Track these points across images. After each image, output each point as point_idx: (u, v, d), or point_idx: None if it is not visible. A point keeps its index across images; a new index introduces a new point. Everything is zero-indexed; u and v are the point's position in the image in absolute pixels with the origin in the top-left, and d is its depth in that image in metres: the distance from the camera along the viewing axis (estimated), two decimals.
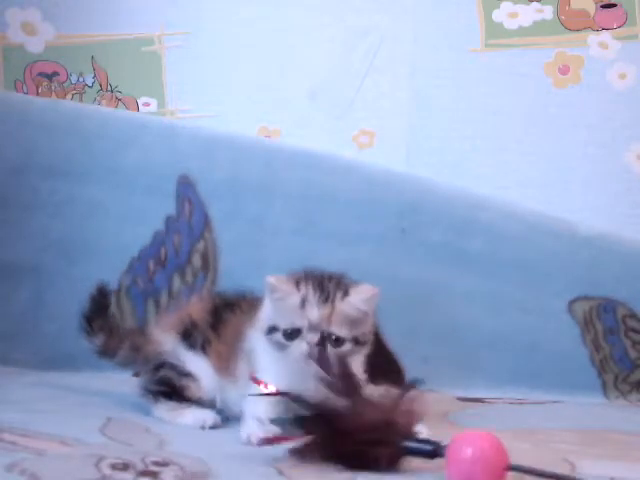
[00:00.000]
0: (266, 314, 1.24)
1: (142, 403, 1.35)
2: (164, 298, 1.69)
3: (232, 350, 1.29)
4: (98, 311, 1.44)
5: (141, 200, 1.70)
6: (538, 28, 1.89)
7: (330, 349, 1.18)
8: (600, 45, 1.88)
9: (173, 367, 1.32)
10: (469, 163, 1.88)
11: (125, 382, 1.51)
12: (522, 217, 1.74)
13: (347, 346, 1.20)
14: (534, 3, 1.90)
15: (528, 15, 1.90)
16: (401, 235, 1.71)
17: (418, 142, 1.89)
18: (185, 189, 1.71)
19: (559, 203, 1.84)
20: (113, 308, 1.58)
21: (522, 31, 1.90)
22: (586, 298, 1.70)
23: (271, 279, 1.22)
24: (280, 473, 1.03)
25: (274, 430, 1.12)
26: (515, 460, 1.01)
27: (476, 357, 1.69)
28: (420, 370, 1.67)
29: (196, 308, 1.38)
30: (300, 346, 1.19)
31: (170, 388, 1.31)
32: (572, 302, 1.70)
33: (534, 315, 1.70)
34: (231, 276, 1.67)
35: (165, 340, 1.35)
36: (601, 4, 1.89)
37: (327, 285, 1.21)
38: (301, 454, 1.06)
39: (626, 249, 1.73)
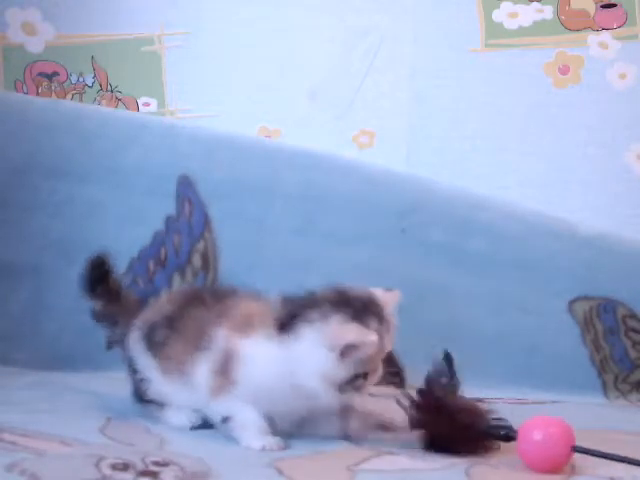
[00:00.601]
0: (336, 368, 1.12)
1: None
2: None
3: (189, 350, 1.21)
4: (98, 278, 1.39)
5: (141, 200, 1.70)
6: (538, 28, 1.90)
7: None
8: (600, 45, 1.88)
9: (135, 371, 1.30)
10: (469, 163, 1.88)
11: (125, 382, 1.51)
12: (522, 217, 1.74)
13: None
14: (534, 3, 1.90)
15: (528, 15, 1.90)
16: (401, 235, 1.71)
17: (418, 142, 1.89)
18: (185, 189, 1.71)
19: (559, 203, 1.84)
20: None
21: (522, 31, 1.90)
22: (586, 298, 1.70)
23: (364, 339, 1.11)
24: (280, 473, 1.03)
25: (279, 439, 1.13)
26: (515, 459, 1.01)
27: (476, 357, 1.69)
28: (420, 370, 1.68)
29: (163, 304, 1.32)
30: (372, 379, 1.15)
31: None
32: (572, 302, 1.70)
33: (534, 315, 1.70)
34: (231, 276, 1.67)
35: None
36: (601, 4, 1.89)
37: (377, 310, 1.16)
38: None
39: (626, 249, 1.73)
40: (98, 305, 1.39)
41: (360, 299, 1.15)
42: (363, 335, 1.10)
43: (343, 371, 1.11)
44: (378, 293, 1.19)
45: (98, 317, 1.40)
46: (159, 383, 1.25)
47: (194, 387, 1.19)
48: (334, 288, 1.18)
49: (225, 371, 1.15)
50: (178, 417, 1.25)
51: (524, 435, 1.12)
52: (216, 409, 1.18)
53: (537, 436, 1.10)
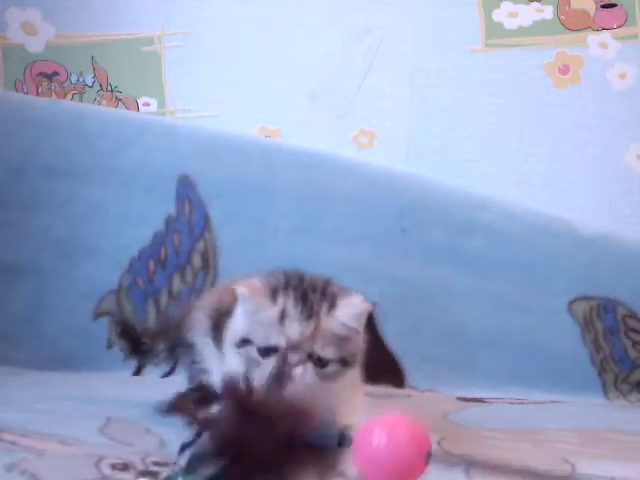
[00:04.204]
0: (238, 325, 1.08)
1: (142, 403, 1.35)
2: (164, 298, 1.69)
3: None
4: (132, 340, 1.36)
5: (141, 200, 1.70)
6: (538, 28, 1.90)
7: (310, 371, 1.03)
8: (600, 45, 1.88)
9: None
10: (469, 163, 1.88)
11: (125, 382, 1.51)
12: (522, 217, 1.74)
13: (333, 367, 1.04)
14: (534, 3, 1.90)
15: (528, 15, 1.90)
16: (401, 235, 1.71)
17: (418, 142, 1.89)
18: (185, 189, 1.71)
19: (559, 203, 1.84)
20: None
21: (522, 31, 1.90)
22: (586, 298, 1.70)
23: (243, 290, 1.05)
24: None
25: None
26: (515, 460, 1.01)
27: (476, 357, 1.69)
28: (420, 370, 1.68)
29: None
30: (271, 365, 1.03)
31: None
32: (572, 302, 1.70)
33: (534, 315, 1.70)
34: (231, 276, 1.67)
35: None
36: (601, 4, 1.89)
37: (311, 296, 1.06)
38: None
39: (626, 249, 1.73)
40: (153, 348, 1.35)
41: (307, 283, 1.08)
42: (243, 286, 1.06)
43: (240, 324, 1.07)
44: (351, 297, 1.09)
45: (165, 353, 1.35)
46: (213, 363, 1.20)
47: None
48: (307, 274, 1.12)
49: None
50: None
51: (361, 440, 0.91)
52: None
53: (378, 440, 0.89)
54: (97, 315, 1.67)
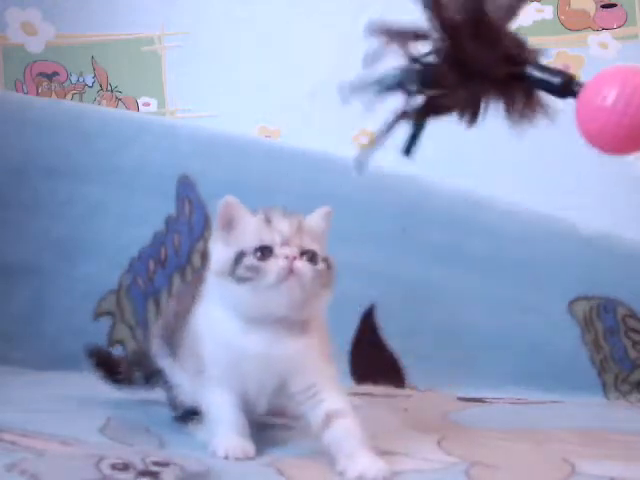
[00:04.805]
0: (222, 250, 1.09)
1: (142, 403, 1.35)
2: (164, 298, 1.69)
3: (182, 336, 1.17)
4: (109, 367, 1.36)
5: (141, 200, 1.70)
6: (538, 28, 1.90)
7: (308, 265, 1.05)
8: (600, 45, 1.89)
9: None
10: (469, 163, 1.88)
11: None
12: (522, 217, 1.74)
13: (321, 265, 1.08)
14: (534, 3, 1.90)
15: (528, 15, 1.90)
16: (401, 235, 1.71)
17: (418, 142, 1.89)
18: (185, 189, 1.71)
19: (559, 203, 1.84)
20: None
21: (522, 31, 1.89)
22: (586, 298, 1.70)
23: (228, 199, 1.11)
24: (280, 473, 1.03)
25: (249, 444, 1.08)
26: (515, 459, 1.00)
27: (476, 357, 1.69)
28: (420, 370, 1.68)
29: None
30: (276, 264, 1.04)
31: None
32: (572, 302, 1.70)
33: (534, 315, 1.70)
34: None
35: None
36: (601, 4, 1.89)
37: (284, 207, 1.13)
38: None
39: (626, 249, 1.73)
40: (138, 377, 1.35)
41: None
42: (229, 201, 1.11)
43: (228, 247, 1.08)
44: None
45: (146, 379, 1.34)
46: (178, 377, 1.21)
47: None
48: None
49: (196, 352, 1.11)
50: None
51: (592, 91, 0.75)
52: (199, 396, 1.13)
53: (611, 97, 0.72)
54: (97, 315, 1.67)
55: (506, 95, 0.88)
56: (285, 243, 1.06)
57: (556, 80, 0.85)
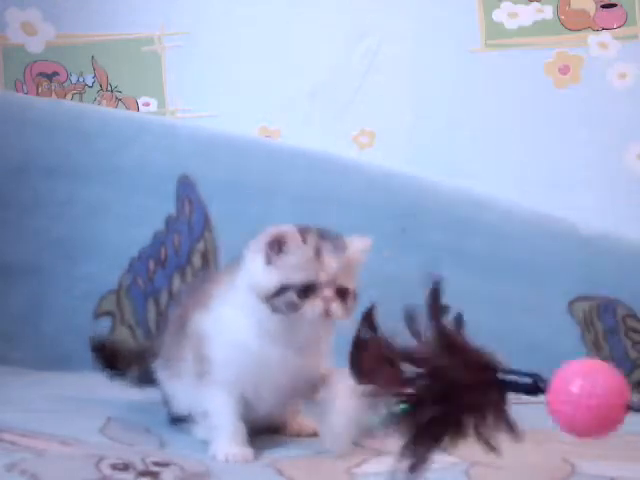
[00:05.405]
0: (264, 273, 1.06)
1: (142, 403, 1.35)
2: (164, 298, 1.69)
3: (180, 339, 1.17)
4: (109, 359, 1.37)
5: (141, 200, 1.70)
6: (538, 28, 1.90)
7: (342, 307, 1.05)
8: (600, 45, 1.89)
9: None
10: (469, 163, 1.88)
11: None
12: (522, 217, 1.74)
13: (352, 302, 1.07)
14: (534, 3, 1.90)
15: (528, 15, 1.90)
16: (401, 235, 1.71)
17: (418, 142, 1.89)
18: (185, 189, 1.71)
19: (559, 203, 1.84)
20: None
21: (522, 31, 1.90)
22: (586, 298, 1.70)
23: (281, 231, 1.05)
24: (280, 473, 1.03)
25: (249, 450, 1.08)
26: (515, 459, 1.00)
27: None
28: None
29: None
30: (315, 304, 1.04)
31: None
32: (572, 302, 1.70)
33: (534, 315, 1.70)
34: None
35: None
36: (601, 4, 1.89)
37: (331, 235, 1.08)
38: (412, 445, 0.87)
39: (626, 249, 1.73)
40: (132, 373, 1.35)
41: (317, 227, 1.10)
42: (282, 229, 1.06)
43: (271, 276, 1.06)
44: (353, 238, 1.13)
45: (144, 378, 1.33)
46: (172, 389, 1.21)
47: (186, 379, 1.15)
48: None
49: (201, 354, 1.11)
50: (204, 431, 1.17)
51: (559, 387, 0.87)
52: (199, 400, 1.13)
53: (575, 388, 0.84)
54: (97, 315, 1.67)
55: (478, 412, 0.90)
56: (328, 283, 1.05)
57: (526, 380, 0.93)
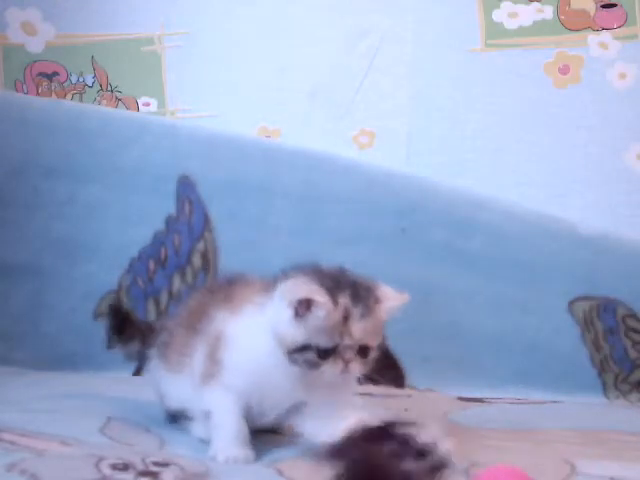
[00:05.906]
0: (289, 325, 1.05)
1: (142, 403, 1.35)
2: (164, 298, 1.69)
3: (188, 334, 1.17)
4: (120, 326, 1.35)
5: (141, 200, 1.70)
6: (538, 28, 1.90)
7: (361, 364, 1.06)
8: (600, 45, 1.88)
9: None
10: (469, 163, 1.88)
11: (125, 382, 1.51)
12: (522, 217, 1.74)
13: (372, 355, 1.07)
14: (534, 3, 1.90)
15: (528, 15, 1.90)
16: (401, 235, 1.71)
17: (418, 142, 1.89)
18: (185, 189, 1.71)
19: (559, 203, 1.85)
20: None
21: (522, 31, 1.90)
22: (586, 298, 1.70)
23: (314, 294, 1.03)
24: (280, 473, 1.03)
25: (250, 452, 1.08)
26: (515, 459, 1.00)
27: (476, 357, 1.69)
28: (420, 370, 1.68)
29: None
30: (335, 365, 1.04)
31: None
32: (572, 302, 1.70)
33: (534, 315, 1.70)
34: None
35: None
36: (601, 4, 1.89)
37: (363, 294, 1.07)
38: None
39: (626, 249, 1.73)
40: (133, 347, 1.33)
41: (350, 279, 1.08)
42: (315, 293, 1.03)
43: (296, 332, 1.04)
44: (383, 287, 1.11)
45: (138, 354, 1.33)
46: (168, 384, 1.21)
47: (193, 377, 1.15)
48: (340, 267, 1.10)
49: (215, 355, 1.10)
50: (201, 429, 1.17)
51: None
52: (203, 399, 1.12)
53: None
54: (97, 315, 1.67)
55: None
56: (351, 346, 1.05)
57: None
